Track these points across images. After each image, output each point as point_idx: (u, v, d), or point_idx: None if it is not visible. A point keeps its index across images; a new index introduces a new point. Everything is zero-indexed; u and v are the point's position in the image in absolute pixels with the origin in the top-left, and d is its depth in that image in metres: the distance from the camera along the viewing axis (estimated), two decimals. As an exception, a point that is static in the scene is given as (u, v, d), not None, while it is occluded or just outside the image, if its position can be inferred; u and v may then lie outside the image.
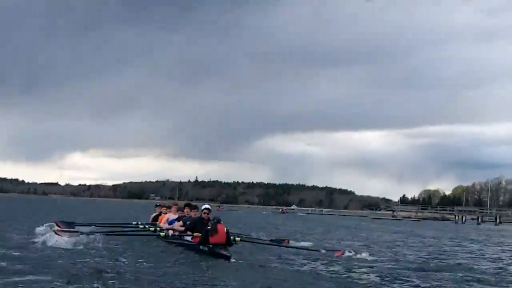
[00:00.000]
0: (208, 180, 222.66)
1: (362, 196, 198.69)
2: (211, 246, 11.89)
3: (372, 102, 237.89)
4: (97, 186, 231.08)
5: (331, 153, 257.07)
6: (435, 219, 78.88)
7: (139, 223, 18.31)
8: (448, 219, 78.71)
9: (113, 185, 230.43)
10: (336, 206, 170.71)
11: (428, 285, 9.59)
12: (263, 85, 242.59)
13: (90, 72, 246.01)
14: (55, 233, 13.26)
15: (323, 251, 14.09)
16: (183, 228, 14.28)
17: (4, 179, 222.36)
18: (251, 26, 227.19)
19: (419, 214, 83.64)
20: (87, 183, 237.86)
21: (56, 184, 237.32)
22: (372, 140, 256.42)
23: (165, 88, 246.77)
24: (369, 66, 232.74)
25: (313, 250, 14.30)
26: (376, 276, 10.25)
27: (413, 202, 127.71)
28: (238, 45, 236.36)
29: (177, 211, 15.99)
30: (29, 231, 15.99)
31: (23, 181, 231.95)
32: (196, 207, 15.19)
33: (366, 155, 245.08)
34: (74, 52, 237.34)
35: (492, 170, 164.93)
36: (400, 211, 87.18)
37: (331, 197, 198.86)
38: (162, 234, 14.54)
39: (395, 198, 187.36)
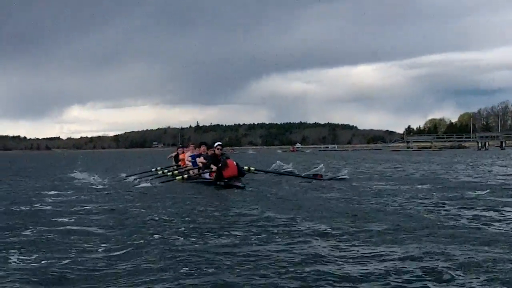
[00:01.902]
0: (209, 124, 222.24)
1: (364, 130, 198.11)
2: (226, 180, 13.06)
3: (366, 36, 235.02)
4: (99, 137, 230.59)
5: (329, 90, 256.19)
6: (452, 147, 75.63)
7: (158, 168, 18.94)
8: (464, 147, 76.45)
9: (115, 136, 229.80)
10: (340, 141, 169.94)
11: None
12: (255, 28, 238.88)
13: (82, 25, 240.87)
14: None
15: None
16: (206, 162, 14.99)
17: (6, 137, 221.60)
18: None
19: (435, 143, 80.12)
20: (89, 136, 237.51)
21: (58, 138, 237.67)
22: (369, 74, 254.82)
23: (159, 37, 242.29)
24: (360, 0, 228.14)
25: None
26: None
27: (419, 132, 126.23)
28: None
29: (195, 148, 17.19)
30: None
31: (25, 137, 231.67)
32: (211, 146, 15.80)
33: (364, 90, 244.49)
34: (66, 5, 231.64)
35: (492, 96, 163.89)
36: (415, 141, 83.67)
37: (334, 133, 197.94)
38: (179, 178, 15.14)
39: (398, 130, 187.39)
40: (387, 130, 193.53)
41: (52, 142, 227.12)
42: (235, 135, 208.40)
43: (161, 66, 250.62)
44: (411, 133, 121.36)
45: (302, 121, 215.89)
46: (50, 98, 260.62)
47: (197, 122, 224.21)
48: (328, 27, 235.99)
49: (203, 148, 16.22)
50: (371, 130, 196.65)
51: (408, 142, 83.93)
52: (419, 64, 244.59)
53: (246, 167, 15.49)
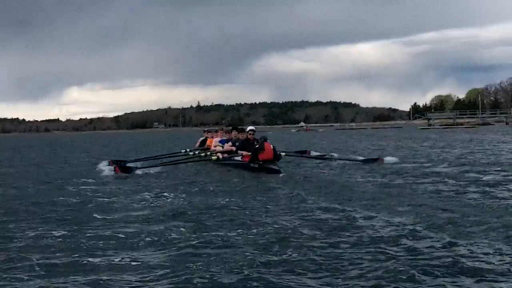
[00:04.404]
0: (211, 104, 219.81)
1: (367, 108, 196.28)
2: (261, 162, 12.86)
3: (365, 14, 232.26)
4: (98, 119, 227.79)
5: (329, 68, 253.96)
6: (476, 124, 70.64)
7: (187, 150, 18.66)
8: (488, 123, 72.85)
9: (115, 117, 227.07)
10: (343, 119, 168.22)
11: None
12: (254, 7, 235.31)
13: (80, 6, 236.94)
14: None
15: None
16: (234, 148, 14.90)
17: (5, 119, 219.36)
18: None
19: (458, 120, 75.62)
20: (88, 117, 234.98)
21: (57, 120, 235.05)
22: (369, 52, 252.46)
23: (158, 17, 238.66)
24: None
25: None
26: None
27: (426, 109, 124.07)
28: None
29: (225, 133, 16.86)
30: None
31: (23, 120, 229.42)
32: (243, 130, 15.85)
33: (364, 67, 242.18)
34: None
35: (493, 72, 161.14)
36: (436, 119, 79.48)
37: (337, 111, 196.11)
38: (214, 157, 14.97)
39: (401, 107, 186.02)
40: (390, 108, 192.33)
41: (52, 124, 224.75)
42: (237, 114, 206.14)
43: (160, 47, 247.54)
44: (419, 111, 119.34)
45: (304, 100, 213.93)
46: (49, 80, 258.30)
47: (198, 102, 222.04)
48: (327, 6, 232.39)
49: (234, 133, 15.98)
50: (374, 107, 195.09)
51: (429, 119, 79.34)
52: (419, 42, 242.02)
53: (278, 153, 14.49)
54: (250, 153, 13.52)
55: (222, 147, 15.84)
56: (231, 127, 16.91)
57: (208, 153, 16.14)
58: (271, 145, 13.24)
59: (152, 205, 8.29)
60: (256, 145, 13.41)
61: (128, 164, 14.83)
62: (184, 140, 41.97)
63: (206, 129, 20.38)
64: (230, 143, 15.30)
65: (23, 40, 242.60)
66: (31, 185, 11.62)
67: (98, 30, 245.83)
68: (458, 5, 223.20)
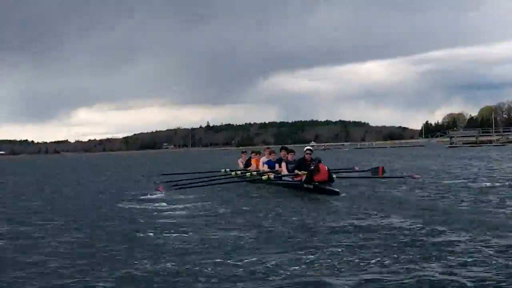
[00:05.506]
0: (220, 124, 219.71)
1: (377, 127, 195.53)
2: (316, 183, 12.61)
3: (373, 33, 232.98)
4: (108, 140, 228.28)
5: (337, 87, 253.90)
6: (507, 142, 68.78)
7: (228, 170, 18.52)
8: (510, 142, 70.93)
9: (124, 138, 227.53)
10: (353, 138, 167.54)
11: None
12: (261, 26, 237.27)
13: (86, 26, 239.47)
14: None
15: None
16: (284, 169, 14.75)
17: (13, 141, 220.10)
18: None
19: (481, 138, 74.11)
20: (97, 138, 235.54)
21: (66, 141, 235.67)
22: (377, 70, 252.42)
23: (165, 37, 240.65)
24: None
25: None
26: None
27: (437, 128, 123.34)
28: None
29: (270, 154, 16.39)
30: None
31: (32, 141, 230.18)
32: (292, 150, 15.60)
33: (372, 86, 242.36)
34: (70, 6, 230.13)
35: (501, 90, 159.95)
36: (460, 136, 77.76)
37: (346, 130, 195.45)
38: (265, 177, 14.74)
39: (410, 126, 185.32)
40: (400, 126, 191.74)
41: (60, 146, 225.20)
42: (247, 134, 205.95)
43: (168, 66, 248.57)
44: (431, 130, 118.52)
45: (313, 119, 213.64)
46: (57, 101, 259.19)
47: (208, 122, 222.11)
48: (335, 25, 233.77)
49: (283, 152, 15.71)
50: (383, 126, 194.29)
51: (452, 137, 77.55)
52: (426, 60, 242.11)
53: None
54: (304, 173, 13.33)
55: (270, 167, 15.58)
56: (280, 147, 16.56)
57: (254, 172, 16.04)
58: (326, 167, 12.97)
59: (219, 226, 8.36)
60: (311, 166, 13.06)
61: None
62: (204, 161, 41.56)
63: (244, 150, 19.96)
64: (284, 164, 14.94)
65: (31, 60, 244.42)
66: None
67: (106, 50, 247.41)
68: (466, 23, 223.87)
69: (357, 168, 18.22)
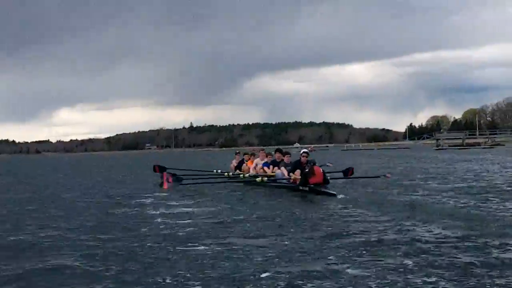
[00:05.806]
0: (203, 125, 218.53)
1: (361, 129, 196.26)
2: (312, 186, 12.66)
3: (357, 35, 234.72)
4: (90, 140, 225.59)
5: (321, 89, 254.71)
6: (495, 145, 68.58)
7: (220, 170, 18.36)
8: (498, 144, 70.47)
9: (106, 138, 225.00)
10: (337, 140, 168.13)
11: None
12: (245, 29, 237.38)
13: (70, 27, 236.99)
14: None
15: None
16: (279, 170, 14.75)
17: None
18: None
19: (467, 141, 73.19)
20: (79, 138, 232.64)
21: (48, 141, 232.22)
22: (361, 72, 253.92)
23: (149, 38, 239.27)
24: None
25: None
26: None
27: (421, 130, 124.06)
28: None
29: (266, 156, 16.33)
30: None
31: (13, 141, 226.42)
32: (288, 153, 15.58)
33: (356, 88, 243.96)
34: (55, 7, 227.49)
35: (484, 93, 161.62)
36: (446, 139, 77.05)
37: (330, 132, 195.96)
38: (258, 179, 14.68)
39: (394, 128, 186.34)
40: (384, 129, 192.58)
41: (42, 146, 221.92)
42: (231, 135, 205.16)
43: (152, 67, 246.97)
44: (415, 132, 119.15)
45: (297, 121, 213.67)
46: (38, 101, 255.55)
47: (191, 122, 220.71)
48: (319, 27, 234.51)
49: (277, 155, 15.74)
50: (367, 128, 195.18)
51: (438, 139, 76.88)
52: (410, 62, 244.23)
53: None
54: (294, 177, 13.48)
55: (264, 169, 15.65)
56: (275, 150, 16.52)
57: (247, 174, 16.18)
58: (321, 169, 13.10)
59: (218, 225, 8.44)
60: (306, 168, 13.10)
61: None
62: (190, 161, 40.93)
63: (238, 151, 19.76)
64: (283, 167, 14.81)
65: (12, 60, 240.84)
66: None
67: (88, 51, 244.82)
68: (450, 26, 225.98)
69: (330, 165, 17.36)
